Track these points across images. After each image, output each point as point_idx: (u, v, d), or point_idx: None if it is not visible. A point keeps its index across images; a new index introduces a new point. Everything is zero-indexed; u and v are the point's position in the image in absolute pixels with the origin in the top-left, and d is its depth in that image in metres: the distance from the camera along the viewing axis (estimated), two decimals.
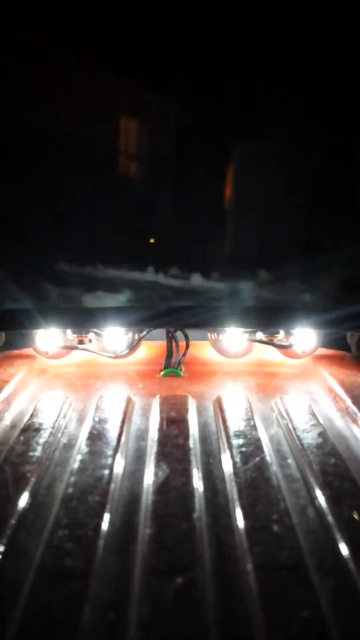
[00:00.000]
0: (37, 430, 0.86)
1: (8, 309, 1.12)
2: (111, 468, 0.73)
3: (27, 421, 0.90)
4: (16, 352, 1.27)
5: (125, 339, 1.24)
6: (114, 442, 0.82)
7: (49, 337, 1.22)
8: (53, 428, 0.87)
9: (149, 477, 0.72)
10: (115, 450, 0.79)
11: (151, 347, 1.28)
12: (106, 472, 0.72)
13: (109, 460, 0.76)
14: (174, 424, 0.89)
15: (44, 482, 0.71)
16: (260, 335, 1.24)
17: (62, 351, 1.24)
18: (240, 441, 0.82)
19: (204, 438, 0.86)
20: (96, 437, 0.83)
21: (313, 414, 0.93)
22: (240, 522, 0.62)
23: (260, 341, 1.24)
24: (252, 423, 0.89)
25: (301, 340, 1.23)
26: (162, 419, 0.91)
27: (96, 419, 0.91)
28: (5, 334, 1.28)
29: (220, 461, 0.78)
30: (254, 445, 0.80)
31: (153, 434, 0.85)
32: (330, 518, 0.62)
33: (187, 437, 0.84)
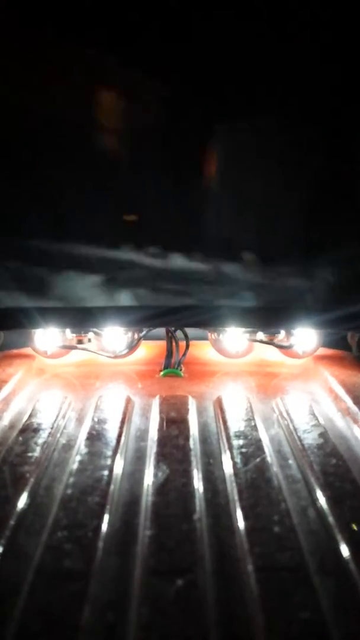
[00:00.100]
0: (36, 430, 0.85)
1: (7, 308, 1.11)
2: (111, 469, 0.73)
3: (26, 421, 0.89)
4: (15, 351, 1.27)
5: (124, 339, 1.23)
6: (113, 442, 0.81)
7: (48, 336, 1.22)
8: (52, 428, 0.86)
9: (149, 478, 0.71)
10: (115, 451, 0.78)
11: (151, 347, 1.27)
12: (106, 472, 0.72)
13: (109, 461, 0.75)
14: (174, 425, 0.88)
15: (43, 482, 0.71)
16: (260, 335, 1.24)
17: (61, 351, 1.23)
18: (241, 442, 0.81)
19: (204, 438, 0.85)
20: (95, 437, 0.83)
21: (314, 415, 0.93)
22: (240, 523, 0.61)
23: (261, 341, 1.24)
24: (252, 423, 0.88)
25: (302, 340, 1.23)
26: (162, 419, 0.91)
27: (95, 419, 0.90)
28: (4, 333, 1.27)
29: (220, 462, 0.77)
30: (254, 446, 0.80)
31: (153, 435, 0.85)
32: (331, 519, 0.62)
33: (187, 438, 0.83)
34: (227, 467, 0.74)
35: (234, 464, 0.75)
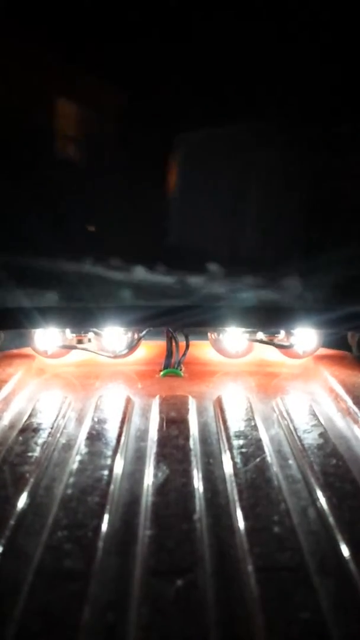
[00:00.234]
0: (36, 430, 0.85)
1: (7, 308, 1.11)
2: (111, 469, 0.73)
3: (26, 421, 0.89)
4: (15, 351, 1.27)
5: (124, 339, 1.23)
6: (113, 442, 0.81)
7: (47, 336, 1.22)
8: (52, 428, 0.86)
9: (149, 478, 0.71)
10: (115, 451, 0.78)
11: (151, 347, 1.27)
12: (106, 472, 0.72)
13: (109, 461, 0.75)
14: (174, 425, 0.88)
15: (43, 482, 0.71)
16: (260, 335, 1.24)
17: (61, 351, 1.23)
18: (241, 442, 0.81)
19: (204, 439, 0.85)
20: (95, 437, 0.83)
21: (314, 415, 0.93)
22: (240, 523, 0.61)
23: (261, 341, 1.24)
24: (252, 423, 0.88)
25: (302, 340, 1.23)
26: (162, 419, 0.91)
27: (95, 419, 0.90)
28: (4, 333, 1.27)
29: (220, 462, 0.77)
30: (254, 446, 0.80)
31: (153, 435, 0.85)
32: (331, 519, 0.62)
33: (187, 438, 0.83)
34: (227, 467, 0.74)
35: (234, 464, 0.75)
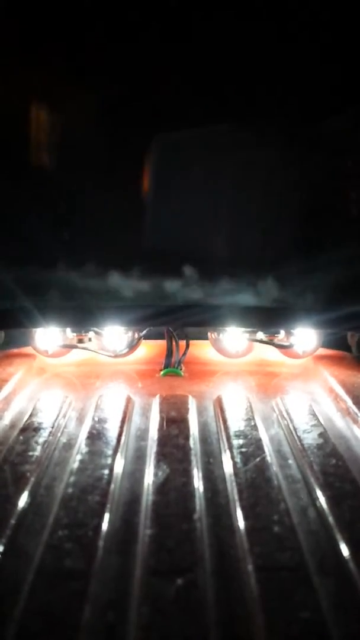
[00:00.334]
0: (37, 429, 0.85)
1: (7, 308, 1.11)
2: (111, 468, 0.73)
3: (27, 420, 0.89)
4: (15, 350, 1.27)
5: (125, 338, 1.24)
6: (113, 441, 0.81)
7: (48, 335, 1.22)
8: (52, 427, 0.86)
9: (149, 477, 0.72)
10: (115, 450, 0.79)
11: (151, 347, 1.27)
12: (106, 472, 0.72)
13: (109, 460, 0.75)
14: (174, 424, 0.88)
15: (43, 481, 0.71)
16: (260, 335, 1.24)
17: (61, 350, 1.24)
18: (241, 441, 0.81)
19: (204, 438, 0.85)
20: (96, 436, 0.83)
21: (314, 414, 0.93)
22: (240, 522, 0.61)
23: (261, 341, 1.24)
24: (252, 423, 0.89)
25: (302, 340, 1.23)
26: (162, 418, 0.91)
27: (96, 418, 0.90)
28: (5, 333, 1.27)
29: (220, 461, 0.77)
30: (254, 446, 0.80)
31: (153, 434, 0.85)
32: (331, 519, 0.62)
33: (187, 437, 0.84)
34: (227, 467, 0.75)
35: (234, 463, 0.75)
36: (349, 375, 1.11)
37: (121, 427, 0.87)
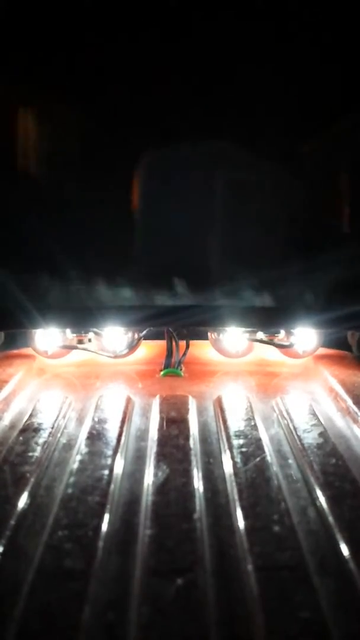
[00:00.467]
0: (37, 430, 0.85)
1: (7, 308, 1.11)
2: (111, 468, 0.73)
3: (26, 421, 0.89)
4: (15, 351, 1.27)
5: (124, 339, 1.24)
6: (113, 442, 0.81)
7: (48, 336, 1.22)
8: (52, 428, 0.86)
9: (149, 478, 0.71)
10: (115, 451, 0.78)
11: (151, 347, 1.27)
12: (106, 472, 0.72)
13: (109, 461, 0.75)
14: (174, 424, 0.88)
15: (43, 482, 0.71)
16: (260, 335, 1.24)
17: (61, 351, 1.24)
18: (241, 441, 0.81)
19: (204, 438, 0.85)
20: (96, 437, 0.83)
21: (314, 414, 0.93)
22: (240, 522, 0.61)
23: (261, 341, 1.24)
24: (252, 423, 0.88)
25: (302, 340, 1.23)
26: (162, 419, 0.91)
27: (96, 419, 0.90)
28: (5, 333, 1.27)
29: (220, 461, 0.77)
30: (254, 446, 0.80)
31: (153, 434, 0.85)
32: (331, 519, 0.62)
33: (187, 438, 0.83)
34: (227, 467, 0.74)
35: (234, 463, 0.75)
36: (349, 375, 1.11)
37: (121, 428, 0.87)
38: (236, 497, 0.66)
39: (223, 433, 0.85)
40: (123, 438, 0.83)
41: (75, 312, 1.17)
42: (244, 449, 0.79)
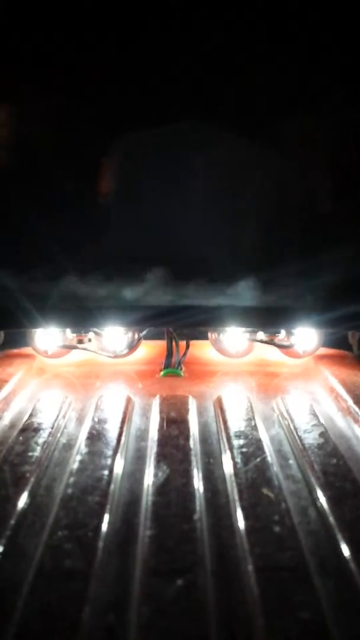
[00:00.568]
0: (36, 430, 0.85)
1: (7, 308, 1.11)
2: (111, 468, 0.73)
3: (26, 421, 0.89)
4: (15, 351, 1.27)
5: (124, 339, 1.23)
6: (113, 442, 0.81)
7: (48, 336, 1.22)
8: (52, 428, 0.86)
9: (149, 478, 0.71)
10: (115, 451, 0.78)
11: (151, 347, 1.27)
12: (106, 472, 0.72)
13: (109, 461, 0.75)
14: (174, 424, 0.88)
15: (43, 482, 0.71)
16: (261, 335, 1.24)
17: (61, 350, 1.23)
18: (241, 441, 0.81)
19: (205, 438, 0.85)
20: (96, 437, 0.83)
21: (314, 414, 0.93)
22: (241, 523, 0.61)
23: (261, 341, 1.24)
24: (253, 423, 0.88)
25: (302, 340, 1.23)
26: (162, 419, 0.91)
27: (96, 419, 0.90)
28: (5, 333, 1.27)
29: (220, 462, 0.77)
30: (254, 446, 0.80)
31: (153, 434, 0.85)
32: (331, 519, 0.62)
33: (187, 438, 0.83)
34: (228, 467, 0.74)
35: (234, 463, 0.75)
36: (349, 375, 1.11)
37: (121, 428, 0.87)
38: (236, 497, 0.66)
39: (223, 433, 0.85)
40: (123, 438, 0.83)
41: (75, 312, 1.17)
42: (244, 450, 0.79)
